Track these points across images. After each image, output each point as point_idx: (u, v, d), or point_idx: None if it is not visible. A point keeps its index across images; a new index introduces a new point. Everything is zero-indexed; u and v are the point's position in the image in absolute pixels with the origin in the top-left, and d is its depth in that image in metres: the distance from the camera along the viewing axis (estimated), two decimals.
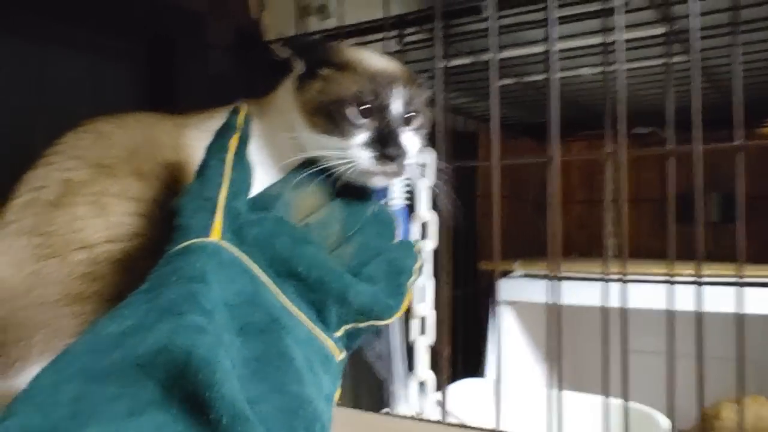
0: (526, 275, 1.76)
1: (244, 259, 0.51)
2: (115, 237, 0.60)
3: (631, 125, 2.07)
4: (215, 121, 0.68)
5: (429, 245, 0.89)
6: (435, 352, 0.91)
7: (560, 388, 0.83)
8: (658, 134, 2.15)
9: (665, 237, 0.90)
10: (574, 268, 1.68)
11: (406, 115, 0.66)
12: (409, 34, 1.02)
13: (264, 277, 0.52)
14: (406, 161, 0.64)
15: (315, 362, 0.50)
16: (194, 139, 0.68)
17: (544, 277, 0.89)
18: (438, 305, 0.93)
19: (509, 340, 1.77)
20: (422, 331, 0.89)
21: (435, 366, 0.92)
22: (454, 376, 1.66)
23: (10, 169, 0.88)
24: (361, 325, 0.57)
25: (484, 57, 0.82)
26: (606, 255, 0.93)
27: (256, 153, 0.65)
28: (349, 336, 0.57)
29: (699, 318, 0.83)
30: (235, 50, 1.17)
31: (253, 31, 1.05)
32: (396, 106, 0.65)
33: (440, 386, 0.95)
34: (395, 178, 0.65)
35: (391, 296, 0.58)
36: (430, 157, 0.86)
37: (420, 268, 0.64)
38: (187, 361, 0.39)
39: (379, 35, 0.91)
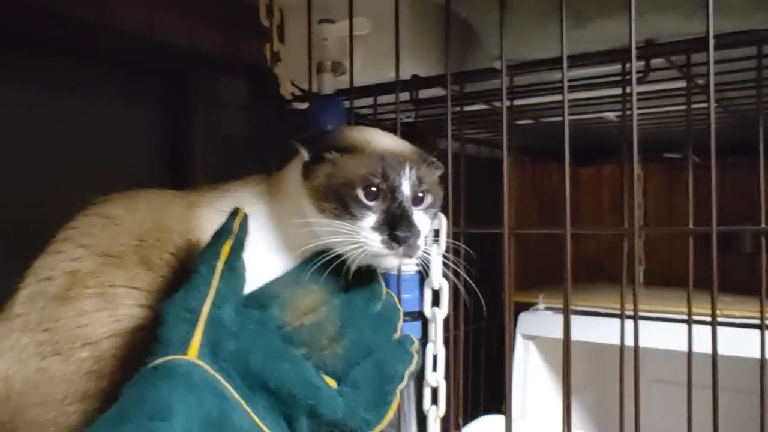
0: (549, 308, 1.74)
1: (218, 378, 0.52)
2: (120, 330, 0.61)
3: (663, 150, 2.04)
4: (227, 200, 0.69)
5: (441, 313, 0.87)
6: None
7: (568, 426, 0.80)
8: (688, 159, 2.11)
9: (700, 266, 0.87)
10: (597, 299, 1.66)
11: (416, 195, 0.65)
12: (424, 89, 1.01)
13: (236, 396, 0.52)
14: (419, 242, 0.64)
15: None
16: (204, 220, 0.68)
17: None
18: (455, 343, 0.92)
19: (531, 375, 1.74)
20: (434, 401, 0.88)
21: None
22: (476, 412, 1.65)
23: (28, 212, 0.90)
24: None
25: (498, 104, 0.81)
26: (623, 290, 0.90)
27: (267, 237, 0.66)
28: None
29: (714, 361, 0.80)
30: (249, 108, 1.18)
31: (267, 84, 1.05)
32: (405, 186, 0.64)
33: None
34: (407, 259, 0.64)
35: (372, 407, 0.58)
36: (442, 223, 0.85)
37: (412, 374, 0.63)
38: None
39: (392, 96, 0.91)
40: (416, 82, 0.97)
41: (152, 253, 0.65)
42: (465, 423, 1.56)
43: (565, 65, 0.76)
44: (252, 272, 0.61)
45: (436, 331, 0.88)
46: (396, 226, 0.62)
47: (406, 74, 0.96)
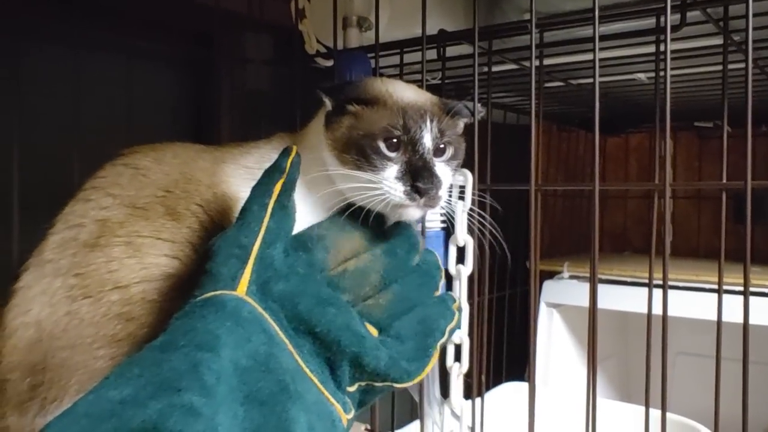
0: (573, 277, 1.73)
1: (265, 316, 0.52)
2: (148, 277, 0.61)
3: (694, 119, 2.00)
4: (252, 156, 0.69)
5: (466, 270, 0.87)
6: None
7: (593, 396, 0.79)
8: (720, 127, 2.06)
9: (729, 237, 0.85)
10: (623, 268, 1.64)
11: (437, 147, 0.65)
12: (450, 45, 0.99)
13: (282, 335, 0.52)
14: (440, 192, 0.63)
15: (319, 428, 0.50)
16: (230, 175, 0.68)
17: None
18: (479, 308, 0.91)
19: (555, 343, 1.74)
20: (457, 358, 0.88)
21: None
22: (499, 379, 1.65)
23: (56, 169, 0.91)
24: (377, 384, 0.57)
25: (527, 63, 0.79)
26: (652, 254, 0.89)
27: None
28: (364, 392, 0.58)
29: (746, 331, 0.78)
30: (274, 63, 1.18)
31: (292, 42, 1.04)
32: (426, 138, 0.64)
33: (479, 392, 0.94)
34: (429, 210, 0.64)
35: (413, 359, 0.58)
36: (467, 179, 0.84)
37: (452, 330, 0.63)
38: None
39: (418, 56, 0.89)
40: (443, 37, 0.95)
41: (178, 204, 0.65)
42: (488, 389, 1.56)
43: (596, 16, 0.73)
44: None
45: (461, 289, 0.87)
46: (417, 178, 0.61)
47: (432, 29, 0.94)
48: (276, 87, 1.20)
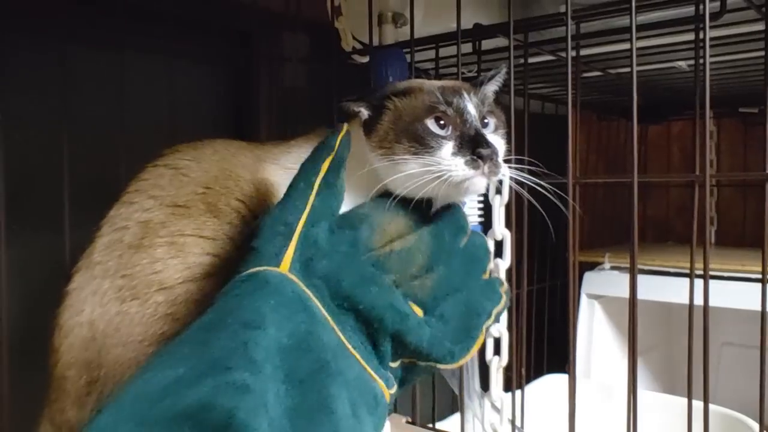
0: (614, 268, 1.71)
1: (308, 294, 0.53)
2: (192, 277, 0.63)
3: (738, 105, 1.95)
4: (291, 156, 0.70)
5: (504, 264, 0.87)
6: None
7: (634, 388, 0.79)
8: (765, 113, 2.00)
9: None
10: (665, 258, 1.62)
11: (482, 118, 0.65)
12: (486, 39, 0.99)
13: (324, 312, 0.53)
14: (499, 159, 0.63)
15: (361, 406, 0.51)
16: (272, 174, 0.69)
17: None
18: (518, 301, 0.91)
19: (596, 335, 1.72)
20: (496, 352, 0.88)
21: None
22: (541, 371, 1.65)
23: (102, 167, 0.94)
24: (420, 363, 0.57)
25: (563, 54, 0.79)
26: (693, 245, 0.87)
27: None
28: (407, 370, 0.58)
29: None
30: (311, 61, 1.19)
31: (328, 39, 1.05)
32: (471, 108, 0.64)
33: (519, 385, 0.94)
34: (494, 177, 0.63)
35: (457, 341, 0.58)
36: (505, 173, 0.84)
37: (499, 313, 0.63)
38: (228, 423, 0.40)
39: (454, 49, 0.89)
40: (478, 31, 0.95)
41: (219, 200, 0.66)
42: (528, 382, 1.56)
43: (633, 6, 0.73)
44: None
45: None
46: (476, 145, 0.61)
47: (467, 24, 0.94)
48: (313, 84, 1.22)
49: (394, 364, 0.57)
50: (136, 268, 0.62)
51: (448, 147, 0.62)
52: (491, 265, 0.67)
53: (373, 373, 0.54)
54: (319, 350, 0.49)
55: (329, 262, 0.55)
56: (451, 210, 0.65)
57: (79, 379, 0.61)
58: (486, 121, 0.66)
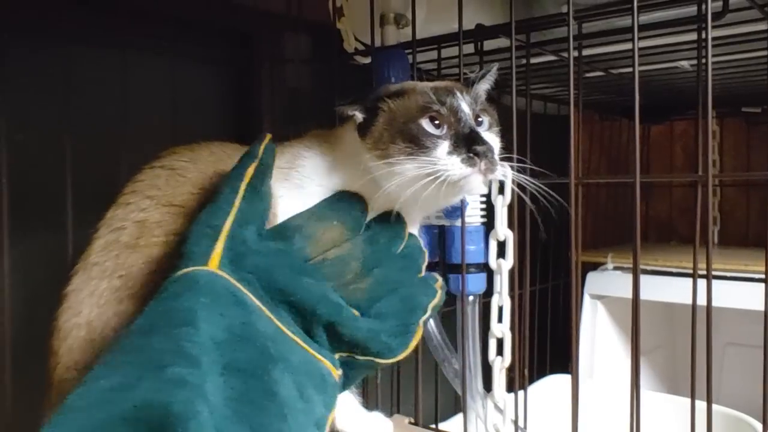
0: (617, 268, 1.71)
1: (239, 287, 0.54)
2: None
3: (741, 104, 1.94)
4: (284, 156, 0.69)
5: (506, 265, 0.87)
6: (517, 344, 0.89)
7: (637, 388, 0.79)
8: (767, 113, 1.99)
9: None
10: (668, 258, 1.61)
11: (476, 117, 0.66)
12: (488, 39, 0.99)
13: (258, 304, 0.54)
14: (496, 157, 0.63)
15: (308, 387, 0.52)
16: None
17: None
18: (521, 300, 0.91)
19: (599, 335, 1.72)
20: (499, 352, 0.88)
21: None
22: (543, 371, 1.65)
23: (104, 167, 0.95)
24: (359, 358, 0.58)
25: (566, 54, 0.79)
26: (695, 245, 0.87)
27: (322, 185, 0.66)
28: (347, 365, 0.58)
29: None
30: (312, 62, 1.19)
31: (330, 40, 1.05)
32: (464, 106, 0.65)
33: (521, 385, 0.94)
34: (490, 175, 0.63)
35: (395, 335, 0.59)
36: (507, 174, 0.84)
37: (435, 307, 0.64)
38: (166, 417, 0.40)
39: (456, 50, 0.89)
40: (480, 32, 0.95)
41: None
42: (531, 382, 1.56)
43: (635, 6, 0.73)
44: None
45: (501, 283, 0.88)
46: (472, 143, 0.62)
47: (469, 24, 0.94)
48: (315, 85, 1.22)
49: (335, 357, 0.57)
50: (132, 269, 0.63)
51: (444, 146, 0.62)
52: (425, 264, 0.67)
53: (316, 354, 0.55)
54: (257, 339, 0.50)
55: (260, 258, 0.56)
56: (389, 217, 0.66)
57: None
58: (480, 119, 0.66)
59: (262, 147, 0.62)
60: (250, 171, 0.59)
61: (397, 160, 0.62)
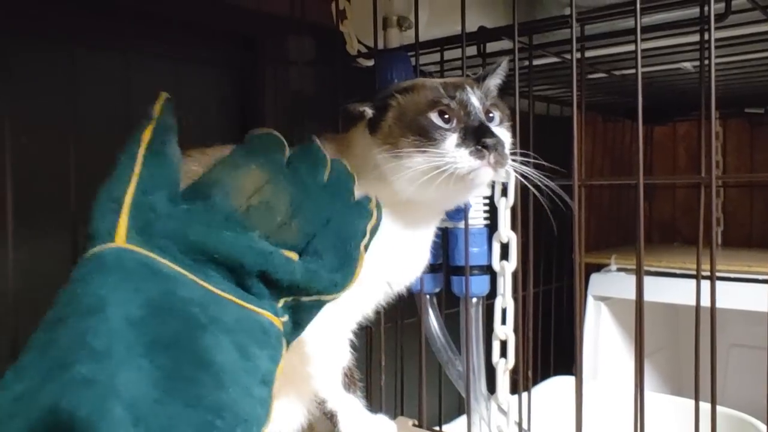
0: (621, 269, 1.71)
1: (153, 256, 0.50)
2: None
3: (744, 105, 1.94)
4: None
5: (510, 267, 0.87)
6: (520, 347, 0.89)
7: (641, 390, 0.79)
8: None
9: None
10: (672, 260, 1.61)
11: (486, 111, 0.66)
12: (491, 42, 0.99)
13: (178, 269, 0.51)
14: (506, 150, 0.63)
15: (249, 344, 0.49)
16: None
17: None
18: (524, 302, 0.91)
19: (602, 336, 1.72)
20: (503, 354, 0.88)
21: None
22: (547, 373, 1.64)
23: (105, 174, 0.95)
24: (304, 299, 0.55)
25: (569, 56, 0.79)
26: (699, 247, 0.87)
27: None
28: (295, 309, 0.56)
29: None
30: (316, 64, 1.19)
31: (333, 43, 1.06)
32: (474, 100, 0.65)
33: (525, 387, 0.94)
34: (499, 169, 0.63)
35: (337, 269, 0.56)
36: (510, 176, 0.84)
37: (374, 228, 0.61)
38: (72, 423, 0.38)
39: (459, 52, 0.90)
40: (483, 34, 0.95)
41: None
42: (536, 383, 1.56)
43: (638, 8, 0.73)
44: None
45: (505, 285, 0.88)
46: (481, 135, 0.62)
47: (472, 26, 0.94)
48: (318, 88, 1.22)
49: (278, 305, 0.55)
50: None
51: (452, 139, 0.62)
52: (355, 186, 0.63)
53: (254, 307, 0.52)
54: (181, 308, 0.48)
55: (171, 222, 0.53)
56: (305, 146, 0.63)
57: None
58: (491, 114, 0.67)
59: (158, 107, 0.58)
60: (147, 134, 0.56)
61: (406, 152, 0.63)
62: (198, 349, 0.46)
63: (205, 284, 0.51)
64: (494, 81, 0.71)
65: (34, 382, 0.41)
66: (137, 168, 0.54)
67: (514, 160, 0.69)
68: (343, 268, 0.57)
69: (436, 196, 0.64)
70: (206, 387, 0.44)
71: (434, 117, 0.63)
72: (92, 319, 0.44)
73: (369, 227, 0.61)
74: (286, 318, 0.55)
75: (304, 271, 0.54)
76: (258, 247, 0.53)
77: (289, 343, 0.56)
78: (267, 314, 0.53)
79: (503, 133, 0.67)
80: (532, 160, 0.71)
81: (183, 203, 0.55)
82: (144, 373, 0.43)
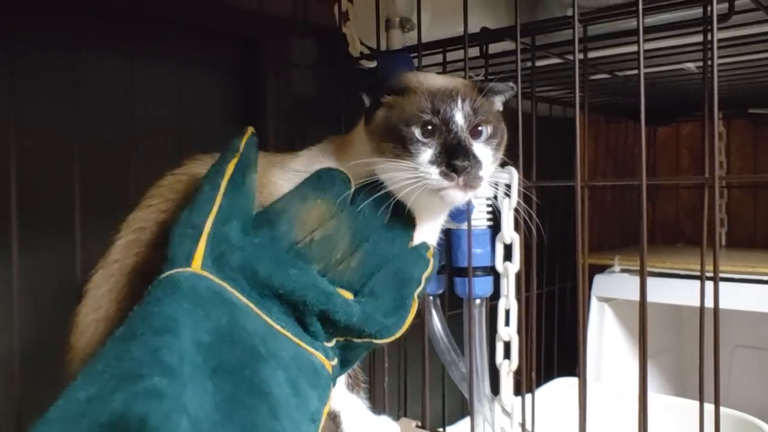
0: (624, 270, 1.70)
1: (224, 286, 0.53)
2: None
3: (747, 105, 1.94)
4: (301, 159, 0.70)
5: (513, 268, 0.87)
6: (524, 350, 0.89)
7: (644, 392, 0.79)
8: None
9: None
10: (676, 261, 1.61)
11: (471, 127, 0.65)
12: (493, 43, 0.99)
13: (245, 301, 0.53)
14: (480, 173, 0.63)
15: (301, 382, 0.51)
16: (278, 177, 0.70)
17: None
18: (528, 304, 0.91)
19: (606, 338, 1.72)
20: (506, 356, 0.88)
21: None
22: (551, 374, 1.64)
23: (111, 173, 0.95)
24: (356, 341, 0.57)
25: (571, 57, 0.79)
26: (703, 247, 0.86)
27: None
28: (345, 349, 0.58)
29: None
30: (318, 66, 1.19)
31: (336, 44, 1.06)
32: (459, 117, 0.64)
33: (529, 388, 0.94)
34: (470, 191, 0.63)
35: (390, 313, 0.58)
36: (513, 176, 0.84)
37: (428, 278, 0.62)
38: (141, 430, 0.40)
39: (461, 53, 0.90)
40: (485, 35, 0.95)
41: None
42: (538, 385, 1.56)
43: (641, 9, 0.73)
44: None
45: (508, 286, 0.87)
46: (452, 156, 0.61)
47: (475, 27, 0.94)
48: (321, 89, 1.22)
49: (329, 344, 0.57)
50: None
51: (427, 155, 0.62)
52: (416, 232, 0.65)
53: (308, 347, 0.54)
54: (245, 338, 0.50)
55: (243, 255, 0.55)
56: (371, 187, 0.64)
57: None
58: (480, 128, 0.65)
59: (243, 141, 0.61)
60: (231, 166, 0.59)
61: (384, 158, 0.63)
62: (257, 379, 0.48)
63: (267, 319, 0.53)
64: (496, 98, 0.71)
65: (106, 387, 0.43)
66: (218, 198, 0.57)
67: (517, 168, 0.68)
68: (395, 313, 0.59)
69: (420, 202, 0.64)
70: (262, 416, 0.46)
71: (416, 131, 0.63)
72: (165, 337, 0.46)
73: (424, 276, 0.62)
74: (335, 362, 0.57)
75: (361, 314, 0.57)
76: (321, 286, 0.56)
77: (334, 382, 0.58)
78: (319, 356, 0.55)
79: (485, 153, 0.65)
80: (533, 169, 0.71)
81: (252, 233, 0.57)
82: (208, 394, 0.45)
